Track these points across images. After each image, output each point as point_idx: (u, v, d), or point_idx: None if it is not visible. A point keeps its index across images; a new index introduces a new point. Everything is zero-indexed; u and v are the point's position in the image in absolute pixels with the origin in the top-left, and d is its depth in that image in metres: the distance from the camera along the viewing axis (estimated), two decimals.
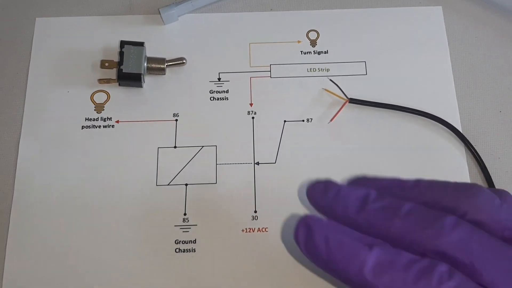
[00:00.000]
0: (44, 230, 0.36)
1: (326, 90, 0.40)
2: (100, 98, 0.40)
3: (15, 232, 0.36)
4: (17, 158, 0.38)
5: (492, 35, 0.42)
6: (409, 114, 0.39)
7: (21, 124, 0.39)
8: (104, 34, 0.41)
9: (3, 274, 0.35)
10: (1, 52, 0.41)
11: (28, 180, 0.37)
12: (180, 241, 0.36)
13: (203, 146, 0.38)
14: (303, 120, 0.39)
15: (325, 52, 0.41)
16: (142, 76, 0.38)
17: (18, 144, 0.38)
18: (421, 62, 0.41)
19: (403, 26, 0.42)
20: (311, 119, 0.39)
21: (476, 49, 0.41)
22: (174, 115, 0.39)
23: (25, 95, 0.40)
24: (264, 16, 0.42)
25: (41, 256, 0.35)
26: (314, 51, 0.41)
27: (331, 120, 0.39)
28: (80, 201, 0.37)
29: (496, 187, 0.37)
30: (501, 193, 0.24)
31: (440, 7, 0.43)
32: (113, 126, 0.39)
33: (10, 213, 0.36)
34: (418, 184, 0.25)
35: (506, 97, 0.40)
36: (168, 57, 0.40)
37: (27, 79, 0.40)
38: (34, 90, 0.40)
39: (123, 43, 0.39)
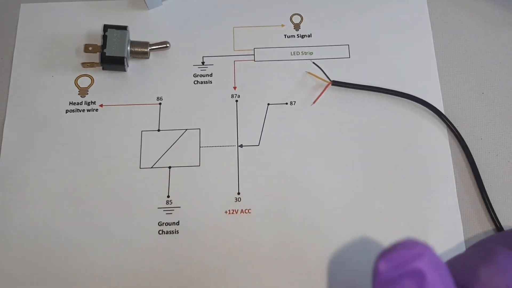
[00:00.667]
0: (29, 213, 0.36)
1: (309, 73, 0.40)
2: (84, 82, 0.40)
3: (0, 216, 0.36)
4: (1, 143, 0.38)
5: (475, 19, 0.42)
6: (391, 96, 0.39)
7: (6, 109, 0.39)
8: (88, 20, 0.41)
9: None
10: None
11: (13, 164, 0.37)
12: (163, 223, 0.36)
13: (186, 129, 0.38)
14: (287, 103, 0.39)
15: (309, 36, 0.41)
16: (125, 59, 0.38)
17: (3, 128, 0.38)
18: (404, 45, 0.41)
19: (386, 10, 0.42)
20: (295, 102, 0.39)
21: (458, 32, 0.41)
22: (158, 98, 0.39)
23: (9, 80, 0.40)
24: (248, 0, 0.42)
25: (25, 240, 0.36)
26: (297, 35, 0.41)
27: (313, 102, 0.39)
28: (64, 184, 0.37)
29: (478, 167, 0.37)
30: None
31: None
32: (97, 110, 0.39)
33: None
34: None
35: (488, 79, 0.40)
36: (152, 41, 0.40)
37: (11, 64, 0.40)
38: (19, 74, 0.40)
39: (106, 27, 0.39)
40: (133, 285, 0.35)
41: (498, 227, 0.36)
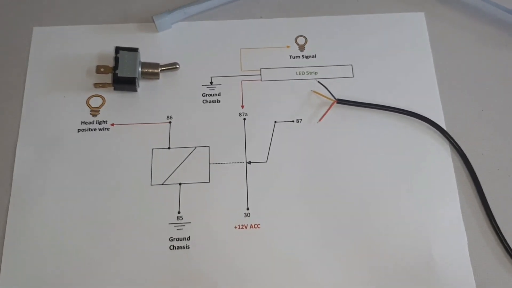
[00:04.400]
0: (41, 231, 0.37)
1: (314, 91, 0.41)
2: (95, 102, 0.41)
3: (12, 233, 0.37)
4: (14, 161, 0.39)
5: (472, 38, 0.44)
6: (395, 113, 0.40)
7: (18, 128, 0.40)
8: (99, 42, 0.43)
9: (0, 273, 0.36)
10: (0, 59, 0.42)
11: (25, 182, 0.38)
12: (174, 239, 0.37)
13: (196, 147, 0.39)
14: (293, 121, 0.40)
15: (313, 56, 0.43)
16: (136, 80, 0.40)
17: (16, 148, 0.39)
18: (405, 65, 0.42)
19: (387, 31, 0.44)
20: (301, 119, 0.40)
21: (457, 52, 0.43)
22: (168, 117, 0.40)
23: (22, 100, 0.41)
24: (254, 23, 0.44)
25: (38, 257, 0.36)
26: (302, 56, 0.43)
27: (320, 119, 0.40)
28: (76, 201, 0.38)
29: (481, 181, 0.38)
30: None
31: (423, 13, 0.44)
32: (108, 129, 0.40)
33: (7, 215, 0.37)
34: None
35: (487, 96, 0.42)
36: (161, 63, 0.41)
37: (24, 85, 0.41)
38: (32, 95, 0.41)
39: (118, 49, 0.40)
40: None
41: (501, 237, 0.37)
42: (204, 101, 0.41)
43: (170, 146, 0.39)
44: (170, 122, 0.40)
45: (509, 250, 0.36)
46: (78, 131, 0.40)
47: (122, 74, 0.39)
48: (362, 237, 0.37)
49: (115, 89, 0.40)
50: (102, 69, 0.41)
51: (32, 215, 0.37)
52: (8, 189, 0.38)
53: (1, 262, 0.36)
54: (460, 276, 0.36)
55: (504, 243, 0.37)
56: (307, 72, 0.42)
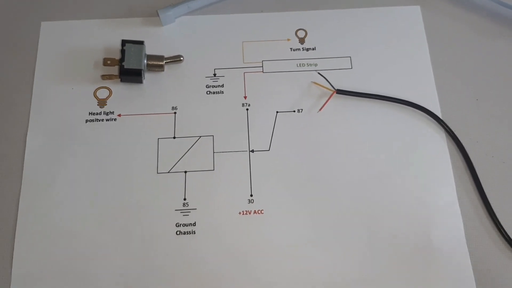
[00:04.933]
0: (51, 217, 0.38)
1: (314, 83, 0.42)
2: (102, 94, 0.42)
3: (24, 221, 0.38)
4: (24, 151, 0.40)
5: (467, 30, 0.45)
6: (392, 103, 0.42)
7: (28, 119, 0.41)
8: (105, 36, 0.44)
9: (12, 262, 0.37)
10: (9, 53, 0.44)
11: (36, 171, 0.39)
12: (180, 224, 0.38)
13: (200, 136, 0.41)
14: (294, 111, 0.42)
15: (313, 49, 0.44)
16: (142, 72, 0.41)
17: (26, 138, 0.40)
18: (402, 56, 0.44)
19: (385, 24, 0.45)
20: (302, 109, 0.42)
21: (452, 43, 0.44)
22: (173, 108, 0.42)
23: (32, 92, 0.42)
24: (256, 17, 0.45)
25: (48, 243, 0.37)
26: (302, 48, 0.44)
27: (320, 109, 0.41)
28: (85, 189, 0.39)
29: (476, 168, 0.40)
30: None
31: (418, 6, 0.46)
32: (115, 119, 0.41)
33: (18, 204, 0.38)
34: None
35: (482, 86, 0.43)
36: (166, 55, 0.42)
37: (33, 78, 0.42)
38: (40, 87, 0.42)
39: (124, 42, 0.41)
40: (152, 284, 0.36)
41: (495, 220, 0.38)
42: (208, 92, 0.42)
43: (176, 136, 0.41)
44: (175, 113, 0.41)
45: (503, 232, 0.38)
46: (86, 122, 0.41)
47: (129, 66, 0.41)
48: (361, 221, 0.38)
49: (121, 80, 0.42)
50: (108, 62, 0.42)
51: (43, 203, 0.38)
52: (19, 178, 0.39)
53: (13, 251, 0.37)
54: (457, 257, 0.37)
55: (499, 225, 0.38)
56: (307, 64, 0.44)
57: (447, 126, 0.41)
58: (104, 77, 0.42)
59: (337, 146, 0.40)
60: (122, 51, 0.41)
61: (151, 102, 0.42)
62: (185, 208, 0.38)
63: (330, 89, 0.42)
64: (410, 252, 0.37)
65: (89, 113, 0.41)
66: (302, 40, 0.44)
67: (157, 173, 0.39)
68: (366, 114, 0.42)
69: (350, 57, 0.44)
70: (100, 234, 0.38)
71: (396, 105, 0.42)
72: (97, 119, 0.41)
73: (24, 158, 0.40)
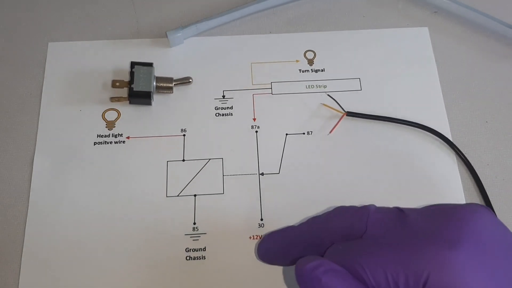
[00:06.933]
0: (58, 241, 0.37)
1: (324, 104, 0.42)
2: (111, 116, 0.42)
3: (30, 245, 0.37)
4: (31, 174, 0.39)
5: (475, 52, 0.45)
6: (402, 125, 0.42)
7: (35, 141, 0.41)
8: (113, 57, 0.44)
9: (18, 286, 0.36)
10: (16, 74, 0.43)
11: (43, 193, 0.39)
12: (190, 249, 0.38)
13: (210, 159, 0.40)
14: (304, 133, 0.41)
15: (322, 70, 0.44)
16: (151, 94, 0.41)
17: (33, 160, 0.40)
18: (411, 78, 0.44)
19: (393, 45, 0.45)
20: (311, 131, 0.42)
21: (461, 65, 0.45)
22: (182, 130, 0.41)
23: (39, 114, 0.42)
24: (264, 38, 0.45)
25: (55, 267, 0.37)
26: (311, 69, 0.44)
27: (330, 131, 0.41)
28: (93, 214, 0.38)
29: (487, 191, 0.39)
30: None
31: (426, 28, 0.46)
32: (124, 142, 0.41)
33: (25, 227, 0.38)
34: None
35: (491, 108, 0.43)
36: (174, 77, 0.42)
37: (40, 99, 0.42)
38: (48, 109, 0.42)
39: (133, 64, 0.41)
40: None
41: None
42: (217, 114, 0.42)
43: (185, 159, 0.40)
44: (184, 135, 0.41)
45: None
46: (94, 144, 0.41)
47: (138, 88, 0.40)
48: None
49: (130, 103, 0.41)
50: (117, 84, 0.41)
51: (49, 226, 0.38)
52: (26, 200, 0.39)
53: (19, 276, 0.36)
54: None
55: None
56: (316, 85, 0.43)
57: (458, 148, 0.41)
58: (113, 99, 0.41)
59: (347, 168, 0.40)
60: (131, 73, 0.41)
61: (160, 124, 0.42)
62: (195, 233, 0.38)
63: (340, 111, 0.42)
64: None
65: (97, 135, 0.41)
66: (311, 62, 0.44)
67: (167, 196, 0.39)
68: (376, 136, 0.41)
69: (359, 78, 0.44)
70: (108, 260, 0.37)
71: (405, 128, 0.42)
72: (105, 142, 0.41)
73: (31, 181, 0.39)
